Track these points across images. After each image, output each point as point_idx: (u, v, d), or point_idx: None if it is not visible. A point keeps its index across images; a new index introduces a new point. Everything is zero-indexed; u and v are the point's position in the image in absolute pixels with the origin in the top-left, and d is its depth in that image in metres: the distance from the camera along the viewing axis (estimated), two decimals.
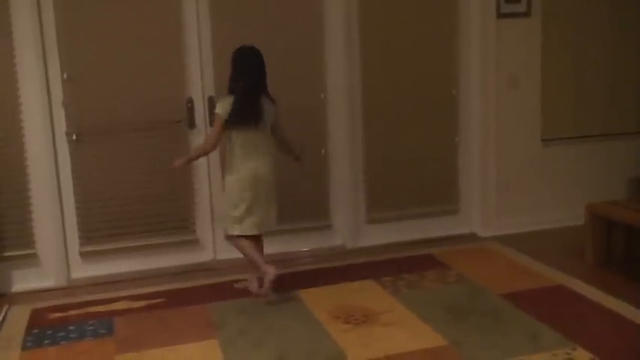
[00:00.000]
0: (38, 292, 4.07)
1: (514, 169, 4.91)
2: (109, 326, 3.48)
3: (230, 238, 3.83)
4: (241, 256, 3.80)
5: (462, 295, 3.72)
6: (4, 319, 3.67)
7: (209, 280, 4.14)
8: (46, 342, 3.33)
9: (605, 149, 5.08)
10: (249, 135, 3.61)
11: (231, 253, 4.08)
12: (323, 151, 4.57)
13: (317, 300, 3.71)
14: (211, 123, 4.02)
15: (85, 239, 4.22)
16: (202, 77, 4.28)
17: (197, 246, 4.42)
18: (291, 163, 3.88)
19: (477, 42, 4.73)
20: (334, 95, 4.55)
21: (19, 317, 3.68)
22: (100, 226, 4.23)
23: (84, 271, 4.24)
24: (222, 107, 3.61)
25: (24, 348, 3.28)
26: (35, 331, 3.48)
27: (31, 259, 4.14)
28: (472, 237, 4.87)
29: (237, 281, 3.99)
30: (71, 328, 3.49)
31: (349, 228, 4.67)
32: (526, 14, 4.74)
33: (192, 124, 4.28)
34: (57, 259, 4.17)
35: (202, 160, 4.16)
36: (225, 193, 3.77)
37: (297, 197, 4.45)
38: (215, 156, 4.17)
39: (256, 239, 3.77)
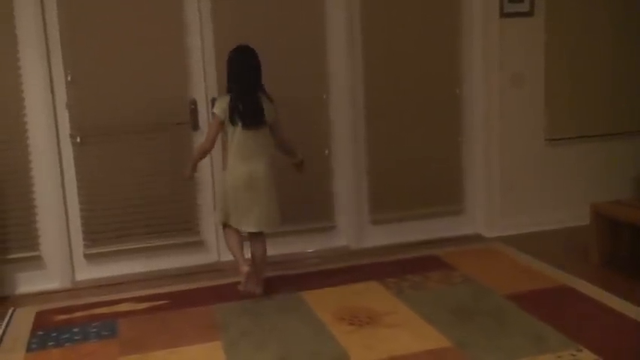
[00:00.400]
0: (43, 294, 4.07)
1: (518, 168, 4.89)
2: (112, 328, 3.49)
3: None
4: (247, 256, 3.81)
5: (467, 296, 3.71)
6: (9, 321, 3.68)
7: (213, 281, 4.14)
8: (51, 344, 3.34)
9: (610, 148, 5.06)
10: (247, 134, 3.62)
11: None
12: (326, 152, 4.57)
13: (320, 301, 3.70)
14: None
15: (89, 241, 4.23)
16: (205, 78, 4.28)
17: (201, 248, 4.42)
18: (292, 164, 3.90)
19: (480, 41, 4.72)
20: (337, 96, 4.54)
21: (24, 319, 3.68)
22: (104, 228, 4.23)
23: (88, 273, 4.25)
24: (220, 106, 3.64)
25: (29, 350, 3.29)
26: (40, 333, 3.49)
27: (36, 262, 4.15)
28: (476, 238, 4.86)
29: (240, 283, 3.99)
30: (75, 329, 3.49)
31: (353, 229, 4.67)
32: (529, 13, 4.73)
33: (195, 126, 4.29)
34: (61, 261, 4.18)
35: (206, 162, 4.16)
36: (221, 187, 3.82)
37: (301, 198, 4.44)
38: (218, 158, 4.17)
39: (255, 238, 3.78)
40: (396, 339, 3.20)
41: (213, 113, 3.71)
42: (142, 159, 4.23)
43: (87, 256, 4.24)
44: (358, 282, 3.98)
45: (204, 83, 4.28)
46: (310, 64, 4.45)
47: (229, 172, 3.69)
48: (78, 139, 4.12)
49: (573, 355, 2.95)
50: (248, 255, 3.78)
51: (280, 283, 4.00)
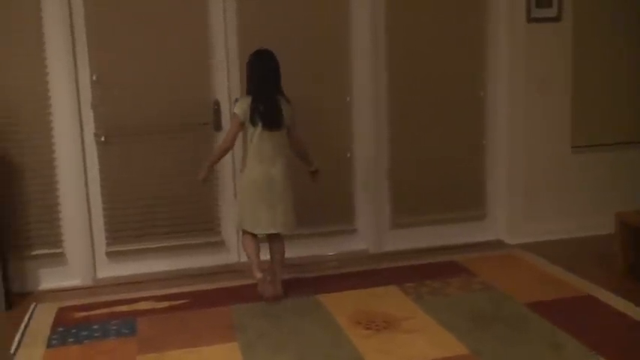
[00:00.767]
0: (64, 291, 4.12)
1: (542, 174, 4.83)
2: (131, 326, 3.52)
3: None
4: (267, 258, 3.82)
5: (486, 303, 3.68)
6: (30, 316, 3.73)
7: (233, 282, 4.15)
8: (70, 340, 3.38)
9: (636, 157, 4.97)
10: (266, 135, 3.65)
11: None
12: (348, 154, 4.56)
13: (338, 304, 3.70)
14: None
15: (111, 239, 4.27)
16: (229, 79, 4.30)
17: (222, 248, 4.44)
18: (308, 172, 3.91)
19: (506, 45, 4.67)
20: (360, 98, 4.53)
21: (45, 315, 3.74)
22: (126, 227, 4.27)
23: (110, 270, 4.29)
24: (241, 107, 3.67)
25: (49, 346, 3.33)
26: (60, 329, 3.53)
27: (58, 258, 4.20)
28: (498, 244, 4.81)
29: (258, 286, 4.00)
30: (95, 327, 3.53)
31: (373, 232, 4.65)
32: (557, 19, 4.67)
33: (218, 127, 4.31)
34: (83, 258, 4.23)
35: (227, 162, 4.19)
36: (239, 189, 3.86)
37: (322, 201, 4.44)
38: (239, 159, 4.17)
39: (273, 240, 3.79)
40: (413, 345, 3.18)
41: (234, 113, 3.74)
42: (165, 159, 4.27)
43: (108, 254, 4.29)
44: (377, 286, 3.97)
45: (228, 84, 4.30)
46: (334, 64, 4.45)
47: (247, 173, 3.72)
48: (102, 139, 4.16)
49: None
50: (267, 257, 3.80)
51: (298, 285, 4.00)
